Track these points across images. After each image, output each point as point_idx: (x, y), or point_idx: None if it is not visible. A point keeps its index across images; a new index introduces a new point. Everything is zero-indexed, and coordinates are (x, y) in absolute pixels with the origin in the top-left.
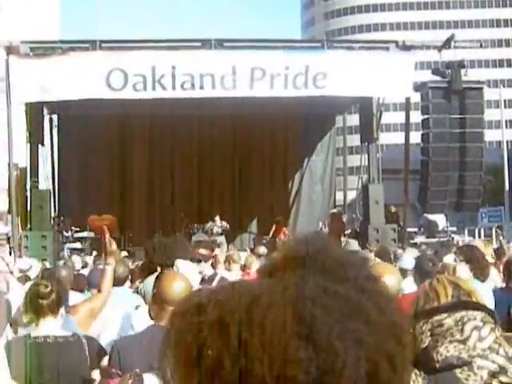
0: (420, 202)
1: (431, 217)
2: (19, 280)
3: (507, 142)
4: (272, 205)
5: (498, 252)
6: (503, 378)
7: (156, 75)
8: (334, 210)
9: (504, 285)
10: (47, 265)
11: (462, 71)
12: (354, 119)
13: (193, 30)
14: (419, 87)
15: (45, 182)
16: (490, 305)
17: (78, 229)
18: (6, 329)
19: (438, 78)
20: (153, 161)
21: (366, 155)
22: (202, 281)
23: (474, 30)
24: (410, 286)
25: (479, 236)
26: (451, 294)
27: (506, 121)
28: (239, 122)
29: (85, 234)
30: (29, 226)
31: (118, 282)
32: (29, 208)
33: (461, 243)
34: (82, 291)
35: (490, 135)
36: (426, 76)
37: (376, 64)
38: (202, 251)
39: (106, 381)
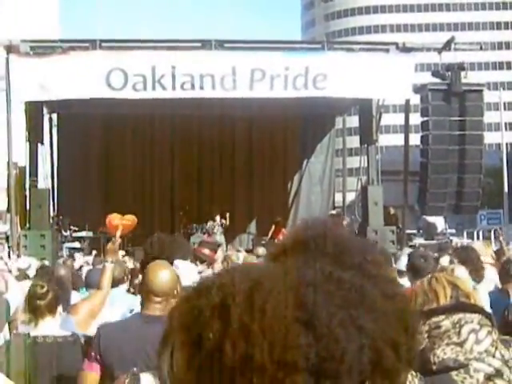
0: (419, 204)
1: (430, 219)
2: (18, 279)
3: (506, 144)
4: (271, 206)
5: (498, 253)
6: (499, 381)
7: (156, 75)
8: (333, 212)
9: (500, 286)
10: (47, 263)
11: (462, 73)
12: (353, 121)
13: (193, 30)
14: (419, 89)
15: (44, 181)
16: (486, 307)
17: (76, 228)
18: (4, 328)
19: (437, 80)
20: (152, 160)
21: (366, 157)
22: None
23: (474, 33)
24: (406, 285)
25: (478, 238)
26: (450, 295)
27: (505, 123)
28: (239, 123)
29: (83, 233)
30: (28, 225)
31: (114, 283)
32: (28, 207)
33: (459, 245)
34: (77, 290)
35: (490, 138)
36: (426, 78)
37: (376, 66)
38: (206, 251)
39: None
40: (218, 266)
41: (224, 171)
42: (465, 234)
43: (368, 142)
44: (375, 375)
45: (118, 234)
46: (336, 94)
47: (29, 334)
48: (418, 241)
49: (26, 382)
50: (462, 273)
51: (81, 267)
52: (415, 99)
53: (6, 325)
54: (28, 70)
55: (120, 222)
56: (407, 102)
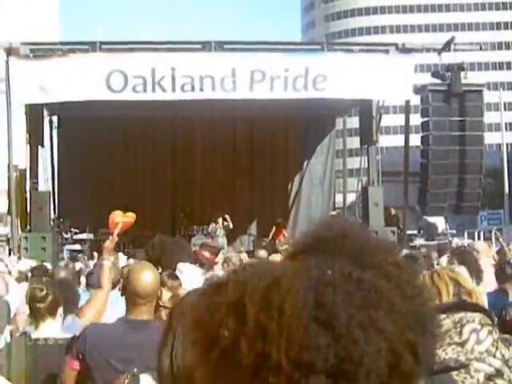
0: (420, 205)
1: (431, 219)
2: (18, 281)
3: (507, 144)
4: (272, 207)
5: (500, 253)
6: (499, 381)
7: (156, 77)
8: (334, 213)
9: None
10: (49, 266)
11: (462, 74)
12: (353, 122)
13: (193, 32)
14: (419, 90)
15: (44, 184)
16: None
17: (77, 230)
18: (5, 330)
19: (437, 80)
20: (152, 162)
21: (366, 157)
22: None
23: (474, 33)
24: None
25: (479, 239)
26: (452, 292)
27: (505, 123)
28: (239, 125)
29: (84, 235)
30: (28, 227)
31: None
32: (28, 209)
33: (459, 246)
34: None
35: (490, 138)
36: (426, 79)
37: (376, 66)
38: (207, 254)
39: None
40: (219, 269)
41: (224, 172)
42: (465, 234)
43: (368, 143)
44: (393, 379)
45: (116, 231)
46: (336, 95)
47: (30, 336)
48: (419, 241)
49: None
50: (462, 271)
51: (80, 270)
52: (415, 100)
53: (7, 327)
54: (28, 73)
55: (122, 220)
56: (407, 102)
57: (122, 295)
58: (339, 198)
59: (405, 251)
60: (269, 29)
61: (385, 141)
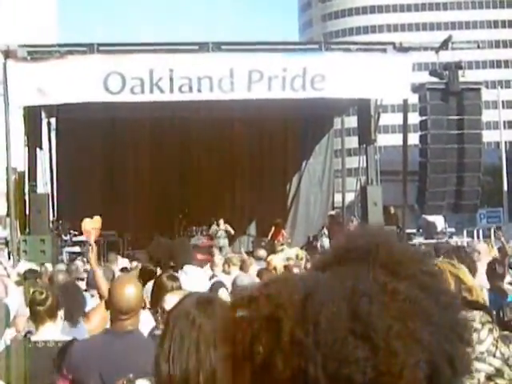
0: (418, 204)
1: (430, 218)
2: (17, 284)
3: (505, 142)
4: (270, 207)
5: (501, 252)
6: (500, 381)
7: (154, 78)
8: (333, 212)
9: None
10: (49, 268)
11: (460, 72)
12: (352, 121)
13: (190, 32)
14: (417, 89)
15: (43, 186)
16: None
17: (76, 232)
18: (4, 333)
19: (435, 79)
20: (151, 164)
21: (364, 157)
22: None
23: (472, 31)
24: None
25: (478, 237)
26: (453, 289)
27: (503, 122)
28: (237, 125)
29: (83, 237)
30: (27, 229)
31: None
32: (27, 212)
33: (459, 243)
34: None
35: (488, 136)
36: (424, 77)
37: (374, 66)
38: (199, 256)
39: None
40: (219, 270)
41: (223, 173)
42: (465, 232)
43: (367, 142)
44: None
45: (92, 239)
46: (334, 94)
47: (29, 338)
48: (418, 240)
49: None
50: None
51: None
52: (413, 99)
53: (7, 330)
54: (26, 75)
55: (93, 226)
56: (405, 101)
57: (106, 309)
58: (338, 197)
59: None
60: (266, 29)
61: (383, 140)
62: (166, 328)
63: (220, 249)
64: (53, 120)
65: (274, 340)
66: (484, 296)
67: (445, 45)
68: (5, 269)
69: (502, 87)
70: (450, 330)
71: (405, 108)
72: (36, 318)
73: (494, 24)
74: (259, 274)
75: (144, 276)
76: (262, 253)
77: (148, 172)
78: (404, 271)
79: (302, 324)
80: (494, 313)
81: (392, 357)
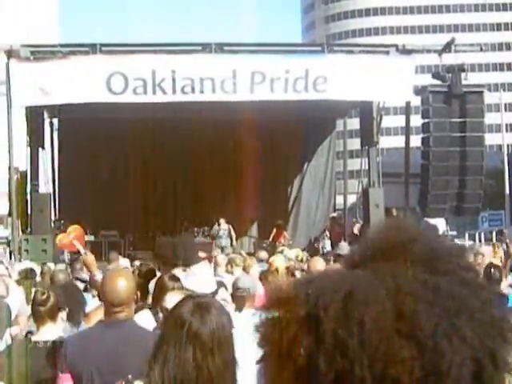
0: (420, 206)
1: (431, 221)
2: (19, 283)
3: (507, 145)
4: (272, 208)
5: (506, 255)
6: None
7: (156, 79)
8: (334, 214)
9: None
10: (52, 267)
11: (463, 75)
12: (354, 123)
13: (193, 33)
14: (419, 91)
15: (45, 186)
16: None
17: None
18: (5, 332)
19: (438, 81)
20: (153, 164)
21: (367, 159)
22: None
23: (475, 34)
24: None
25: (480, 240)
26: None
27: (506, 124)
28: (239, 126)
29: (85, 237)
30: (29, 229)
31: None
32: (29, 211)
33: None
34: None
35: (491, 139)
36: (427, 80)
37: (376, 68)
38: (201, 254)
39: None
40: (221, 269)
41: (225, 174)
42: (466, 235)
43: (369, 144)
44: None
45: (80, 248)
46: (336, 96)
47: (30, 338)
48: None
49: None
50: None
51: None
52: (416, 101)
53: (11, 328)
54: (28, 75)
55: (73, 235)
56: (408, 103)
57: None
58: (340, 199)
59: None
60: (269, 30)
61: (385, 142)
62: (162, 334)
63: (222, 249)
64: (55, 120)
65: (316, 341)
66: None
67: (448, 47)
68: (6, 268)
69: (504, 90)
70: (490, 325)
71: (407, 110)
72: (37, 318)
73: (497, 27)
74: (261, 275)
75: (146, 275)
76: (263, 254)
77: (150, 172)
78: (443, 267)
79: (345, 324)
80: None
81: (439, 356)
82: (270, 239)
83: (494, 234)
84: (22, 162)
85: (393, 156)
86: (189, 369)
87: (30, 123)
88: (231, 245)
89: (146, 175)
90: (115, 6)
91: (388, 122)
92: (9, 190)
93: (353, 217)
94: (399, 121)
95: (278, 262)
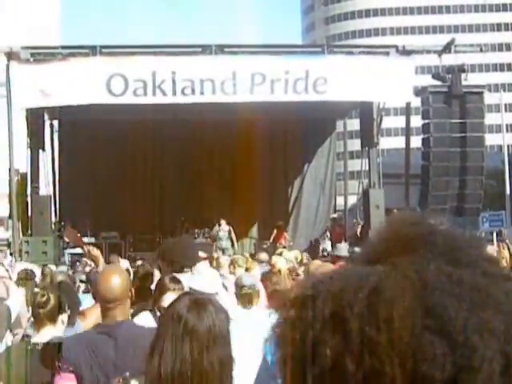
0: (421, 207)
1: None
2: (18, 284)
3: (508, 146)
4: (272, 210)
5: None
6: None
7: (156, 80)
8: (335, 215)
9: None
10: (53, 269)
11: (463, 75)
12: (354, 124)
13: (193, 35)
14: (419, 92)
15: (45, 188)
16: None
17: (78, 234)
18: (5, 334)
19: (438, 82)
20: (154, 165)
21: (367, 160)
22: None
23: (475, 35)
24: None
25: None
26: None
27: (506, 125)
28: (240, 127)
29: (85, 239)
30: (29, 231)
31: None
32: (29, 213)
33: None
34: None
35: (491, 139)
36: (427, 80)
37: (376, 69)
38: (201, 254)
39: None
40: (225, 271)
41: (225, 175)
42: None
43: (369, 145)
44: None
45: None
46: (337, 97)
47: (29, 340)
48: None
49: None
50: None
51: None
52: (416, 102)
53: (8, 331)
54: (29, 77)
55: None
56: (408, 104)
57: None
58: (340, 200)
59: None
60: (269, 32)
61: (385, 143)
62: (159, 330)
63: (223, 251)
64: (55, 122)
65: (342, 341)
66: None
67: (448, 48)
68: (6, 270)
69: (504, 90)
70: None
71: (407, 111)
72: (36, 320)
73: (497, 27)
74: (263, 277)
75: (143, 278)
76: (263, 256)
77: (150, 174)
78: (465, 258)
79: (372, 322)
80: None
81: (471, 351)
82: (271, 240)
83: (494, 234)
84: (23, 164)
85: (393, 157)
86: (185, 364)
87: (30, 125)
88: (232, 246)
89: (146, 176)
90: (116, 7)
91: (388, 122)
92: (9, 192)
93: (353, 218)
94: (399, 121)
95: (281, 263)
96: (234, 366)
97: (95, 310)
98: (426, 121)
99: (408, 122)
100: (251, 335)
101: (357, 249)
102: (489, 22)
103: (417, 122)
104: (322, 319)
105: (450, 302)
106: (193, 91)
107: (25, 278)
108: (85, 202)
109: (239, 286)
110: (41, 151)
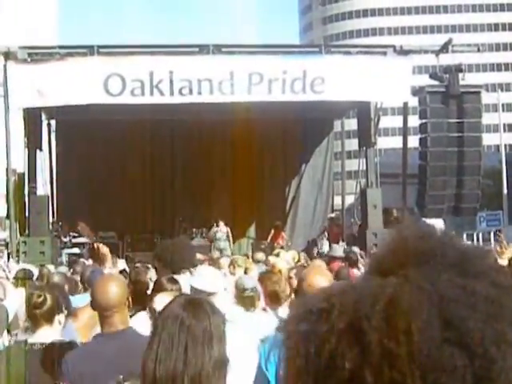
0: (418, 207)
1: (429, 221)
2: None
3: (505, 145)
4: (270, 210)
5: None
6: None
7: (154, 80)
8: (332, 215)
9: None
10: (51, 269)
11: (460, 75)
12: (351, 124)
13: (190, 35)
14: (417, 92)
15: (43, 188)
16: None
17: (76, 234)
18: (3, 335)
19: (435, 82)
20: (151, 166)
21: (364, 159)
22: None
23: (472, 34)
24: None
25: (478, 240)
26: None
27: (503, 125)
28: (237, 127)
29: (83, 239)
30: (27, 231)
31: None
32: (27, 213)
33: None
34: (72, 294)
35: (488, 139)
36: (424, 80)
37: (374, 69)
38: (199, 256)
39: None
40: (226, 271)
41: (223, 175)
42: (464, 236)
43: (366, 145)
44: None
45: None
46: (334, 97)
47: (26, 341)
48: None
49: None
50: None
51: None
52: (413, 102)
53: (5, 331)
54: (26, 77)
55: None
56: (405, 104)
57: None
58: (338, 200)
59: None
60: (266, 31)
61: (383, 143)
62: (154, 330)
63: (221, 251)
64: (53, 122)
65: (361, 353)
66: None
67: (445, 48)
68: (4, 271)
69: (502, 90)
70: None
71: (405, 111)
72: (33, 320)
73: (494, 27)
74: (260, 277)
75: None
76: (260, 256)
77: (148, 174)
78: (474, 269)
79: (391, 334)
80: None
81: (490, 363)
82: (268, 240)
83: (491, 234)
84: (20, 164)
85: (390, 156)
86: (180, 364)
87: (27, 125)
88: (229, 247)
89: (143, 176)
90: (113, 7)
91: (386, 122)
92: (6, 192)
93: (351, 217)
94: (397, 121)
95: (281, 264)
96: (229, 366)
97: (88, 310)
98: (424, 120)
99: (405, 121)
100: (253, 337)
101: (354, 248)
102: (486, 21)
103: (414, 121)
104: (338, 332)
105: (467, 313)
106: (190, 91)
107: (22, 278)
108: (82, 201)
109: (240, 289)
110: (38, 151)
